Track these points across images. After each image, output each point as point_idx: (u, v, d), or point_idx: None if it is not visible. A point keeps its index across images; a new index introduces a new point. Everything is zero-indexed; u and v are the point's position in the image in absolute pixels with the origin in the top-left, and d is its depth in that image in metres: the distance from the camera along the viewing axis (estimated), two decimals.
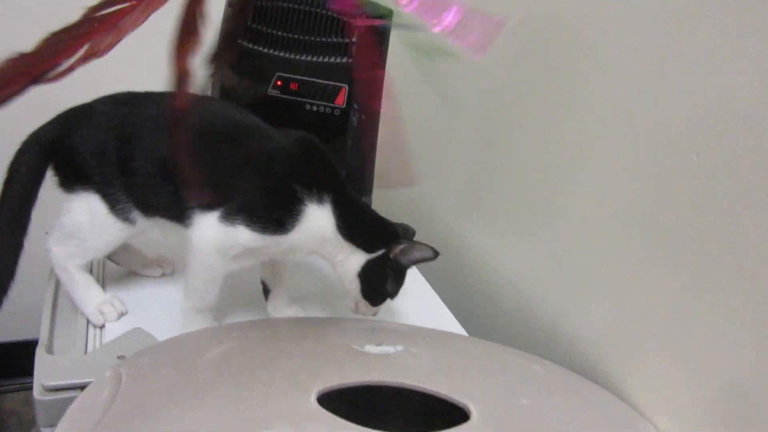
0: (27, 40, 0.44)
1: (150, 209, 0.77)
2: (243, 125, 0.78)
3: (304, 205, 0.73)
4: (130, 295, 0.86)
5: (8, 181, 0.77)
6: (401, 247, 0.75)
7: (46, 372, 0.71)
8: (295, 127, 0.83)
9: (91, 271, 0.86)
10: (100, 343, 0.78)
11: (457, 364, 0.71)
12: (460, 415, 0.61)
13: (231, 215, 0.72)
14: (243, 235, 0.72)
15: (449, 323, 0.92)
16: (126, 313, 0.83)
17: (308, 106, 1.00)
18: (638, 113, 0.71)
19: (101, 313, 0.81)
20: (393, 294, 0.79)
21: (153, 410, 0.58)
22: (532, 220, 0.91)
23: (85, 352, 0.77)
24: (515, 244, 0.96)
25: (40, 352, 0.75)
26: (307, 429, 0.56)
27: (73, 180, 0.78)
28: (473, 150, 1.06)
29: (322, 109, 1.00)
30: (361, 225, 0.76)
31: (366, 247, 0.76)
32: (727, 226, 0.61)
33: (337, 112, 1.00)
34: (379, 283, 0.77)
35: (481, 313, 1.03)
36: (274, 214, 0.72)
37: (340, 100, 1.00)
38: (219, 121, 0.77)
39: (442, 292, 1.00)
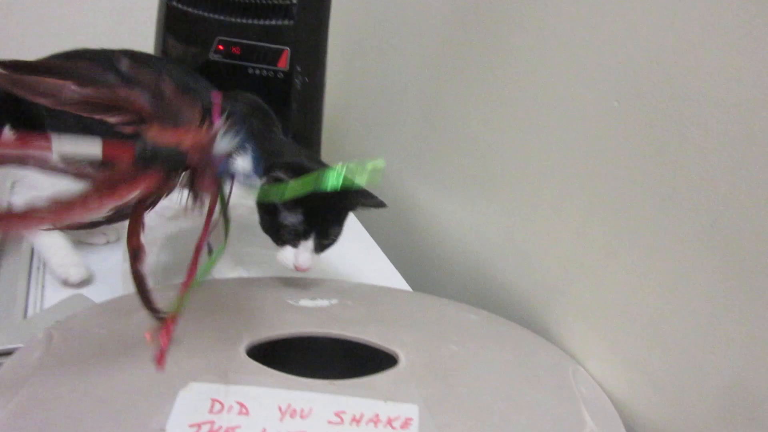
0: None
1: None
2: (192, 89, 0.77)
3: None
4: None
5: None
6: (274, 174, 0.67)
7: None
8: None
9: None
10: (41, 309, 0.78)
11: (391, 314, 0.72)
12: (391, 362, 0.62)
13: None
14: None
15: (395, 281, 0.93)
16: (89, 280, 0.84)
17: (251, 70, 0.99)
18: (575, 67, 0.72)
19: (67, 273, 0.82)
20: (292, 234, 0.70)
21: (81, 368, 0.58)
22: (475, 180, 0.92)
23: (24, 317, 0.77)
24: (461, 204, 0.97)
25: None
26: (234, 379, 0.57)
27: (24, 126, 0.77)
28: (422, 112, 1.07)
29: (264, 72, 0.99)
30: (262, 149, 0.70)
31: (258, 171, 0.69)
32: (646, 170, 0.63)
33: (280, 75, 1.00)
34: (268, 216, 0.70)
35: (427, 271, 1.05)
36: None
37: (283, 63, 0.99)
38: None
39: (390, 252, 1.01)
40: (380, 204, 0.72)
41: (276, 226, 0.70)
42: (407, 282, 0.93)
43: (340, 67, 1.24)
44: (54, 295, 0.81)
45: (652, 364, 0.65)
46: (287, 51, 0.98)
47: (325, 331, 0.64)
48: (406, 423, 0.55)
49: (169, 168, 0.52)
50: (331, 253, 0.75)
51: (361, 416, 0.55)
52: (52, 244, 0.84)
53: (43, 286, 0.84)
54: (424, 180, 1.07)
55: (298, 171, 0.66)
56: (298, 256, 0.71)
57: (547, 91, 0.76)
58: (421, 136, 1.07)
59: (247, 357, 0.60)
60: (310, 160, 0.73)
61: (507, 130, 0.84)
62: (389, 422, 0.55)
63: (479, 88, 0.89)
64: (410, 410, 0.56)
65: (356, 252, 0.84)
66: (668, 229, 0.61)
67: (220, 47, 0.98)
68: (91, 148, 0.47)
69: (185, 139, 0.53)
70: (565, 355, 0.73)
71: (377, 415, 0.56)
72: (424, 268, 1.06)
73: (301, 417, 0.54)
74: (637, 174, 0.64)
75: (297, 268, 0.71)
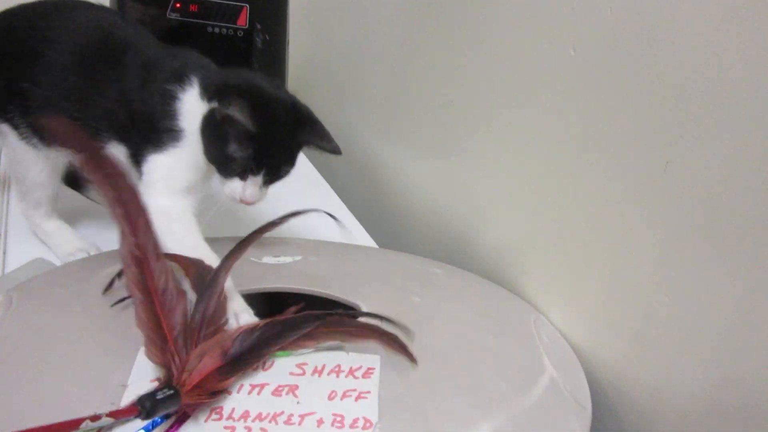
0: None
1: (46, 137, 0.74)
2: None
3: (177, 98, 0.66)
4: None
5: None
6: (226, 99, 0.62)
7: None
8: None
9: None
10: (2, 273, 0.77)
11: (355, 270, 0.73)
12: None
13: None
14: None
15: (362, 240, 0.93)
16: None
17: (210, 29, 0.98)
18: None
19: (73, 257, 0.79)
20: (241, 168, 0.65)
21: (41, 328, 0.58)
22: (440, 137, 0.92)
23: None
24: (426, 161, 0.97)
25: None
26: None
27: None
28: (389, 68, 1.06)
29: (224, 30, 0.98)
30: (214, 75, 0.68)
31: (207, 93, 0.65)
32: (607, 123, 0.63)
33: (240, 34, 0.98)
34: (216, 146, 0.65)
35: (394, 229, 1.05)
36: (162, 126, 0.66)
37: (242, 21, 0.98)
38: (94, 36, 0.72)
39: (356, 210, 1.01)
40: (335, 149, 0.69)
41: (224, 158, 0.65)
42: (374, 240, 0.93)
43: (302, 23, 1.22)
44: (15, 262, 0.79)
45: (609, 310, 0.66)
46: (246, 8, 0.97)
47: (288, 286, 0.64)
48: (367, 372, 0.56)
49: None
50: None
51: (323, 367, 0.56)
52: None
53: (4, 252, 0.82)
54: (391, 137, 1.07)
55: (255, 95, 0.64)
56: (246, 189, 0.66)
57: (508, 46, 0.75)
58: (388, 93, 1.07)
59: None
60: (270, 85, 0.68)
61: (470, 85, 0.84)
62: (351, 372, 0.56)
63: (444, 42, 0.89)
64: (372, 360, 0.57)
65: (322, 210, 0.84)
66: (624, 176, 0.62)
67: (178, 5, 0.96)
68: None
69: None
70: (527, 306, 0.74)
71: (339, 366, 0.56)
72: (391, 226, 1.06)
73: (263, 369, 0.55)
74: (596, 123, 0.64)
75: (243, 201, 0.67)
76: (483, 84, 0.80)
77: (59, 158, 0.77)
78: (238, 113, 0.61)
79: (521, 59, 0.73)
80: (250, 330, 0.54)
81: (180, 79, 0.66)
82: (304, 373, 0.55)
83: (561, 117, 0.68)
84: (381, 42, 1.06)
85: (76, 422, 0.43)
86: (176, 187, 0.67)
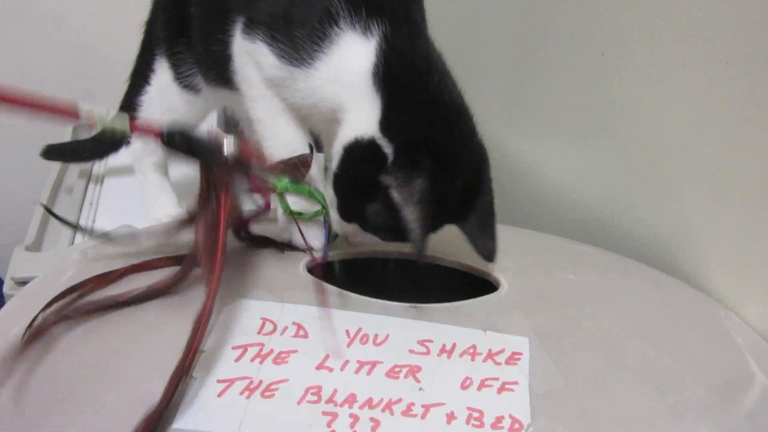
0: None
1: (209, 73, 0.62)
2: None
3: (338, 28, 0.48)
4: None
5: None
6: (397, 175, 0.45)
7: (18, 266, 0.63)
8: None
9: None
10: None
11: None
12: (490, 290, 0.49)
13: (251, 26, 0.51)
14: (264, 58, 0.50)
15: None
16: None
17: None
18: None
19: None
20: (371, 229, 0.49)
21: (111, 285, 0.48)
22: (589, 118, 0.77)
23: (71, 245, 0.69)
24: (572, 147, 0.82)
25: (16, 250, 0.67)
26: (291, 297, 0.45)
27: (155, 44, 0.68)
28: (515, 54, 0.92)
29: None
30: (406, 78, 0.48)
31: (384, 101, 0.47)
32: None
33: None
34: (353, 190, 0.49)
35: (535, 216, 0.90)
36: (297, 32, 0.49)
37: None
38: None
39: None
40: (488, 254, 0.49)
41: (353, 208, 0.49)
42: None
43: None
44: (102, 225, 0.74)
45: None
46: None
47: (430, 255, 0.50)
48: (512, 358, 0.42)
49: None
50: None
51: (453, 347, 0.42)
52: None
53: (93, 221, 0.76)
54: (519, 120, 0.92)
55: (440, 171, 0.45)
56: (357, 234, 0.51)
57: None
58: (515, 68, 0.93)
59: (307, 273, 0.48)
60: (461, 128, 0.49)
61: (625, 41, 0.68)
62: (491, 356, 0.42)
63: (579, 23, 0.74)
64: (518, 343, 0.43)
65: None
66: None
67: None
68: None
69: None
70: (709, 299, 0.57)
71: (474, 347, 0.42)
72: (528, 216, 0.91)
73: (375, 344, 0.42)
74: None
75: (347, 239, 0.53)
76: (650, 21, 0.64)
77: (213, 104, 0.68)
78: (405, 197, 0.44)
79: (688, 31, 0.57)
80: None
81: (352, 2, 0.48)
82: (428, 352, 0.41)
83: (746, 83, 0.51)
84: (507, 22, 0.92)
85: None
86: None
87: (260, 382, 0.38)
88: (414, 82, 0.48)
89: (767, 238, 0.54)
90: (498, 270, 0.50)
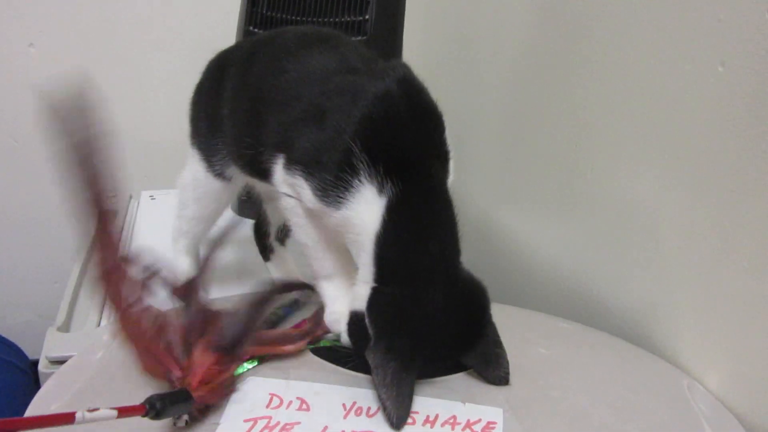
0: None
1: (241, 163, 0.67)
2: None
3: (359, 180, 0.51)
4: None
5: None
6: (374, 357, 0.49)
7: (52, 346, 0.70)
8: None
9: None
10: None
11: None
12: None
13: (290, 164, 0.56)
14: (303, 191, 0.54)
15: None
16: None
17: None
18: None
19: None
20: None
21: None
22: (561, 194, 0.85)
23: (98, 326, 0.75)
24: (546, 221, 0.89)
25: (49, 331, 0.74)
26: (295, 374, 0.52)
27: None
28: (503, 125, 1.01)
29: None
30: (404, 252, 0.51)
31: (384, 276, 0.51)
32: None
33: None
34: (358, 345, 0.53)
35: (513, 288, 0.97)
36: (326, 175, 0.52)
37: None
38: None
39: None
40: (500, 379, 0.52)
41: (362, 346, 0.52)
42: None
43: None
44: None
45: None
46: None
47: None
48: (487, 427, 0.48)
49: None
50: None
51: (436, 417, 0.48)
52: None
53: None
54: (504, 196, 1.00)
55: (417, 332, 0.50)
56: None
57: (636, 87, 0.68)
58: (503, 151, 1.01)
59: (309, 352, 0.55)
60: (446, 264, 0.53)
61: (599, 122, 0.76)
62: (469, 425, 0.48)
63: (563, 94, 0.83)
64: (493, 413, 0.49)
65: None
66: None
67: None
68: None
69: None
70: (673, 368, 0.63)
71: (454, 417, 0.49)
72: (510, 287, 0.98)
73: (367, 416, 0.48)
74: (745, 165, 0.55)
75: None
76: (614, 118, 0.73)
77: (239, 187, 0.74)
78: (379, 379, 0.48)
79: (662, 80, 0.65)
80: (232, 315, 0.52)
81: (373, 155, 0.51)
82: (414, 422, 0.48)
83: (706, 159, 0.59)
84: (496, 94, 1.02)
85: (71, 415, 0.39)
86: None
87: None
88: (405, 265, 0.51)
89: (727, 310, 0.60)
90: None
